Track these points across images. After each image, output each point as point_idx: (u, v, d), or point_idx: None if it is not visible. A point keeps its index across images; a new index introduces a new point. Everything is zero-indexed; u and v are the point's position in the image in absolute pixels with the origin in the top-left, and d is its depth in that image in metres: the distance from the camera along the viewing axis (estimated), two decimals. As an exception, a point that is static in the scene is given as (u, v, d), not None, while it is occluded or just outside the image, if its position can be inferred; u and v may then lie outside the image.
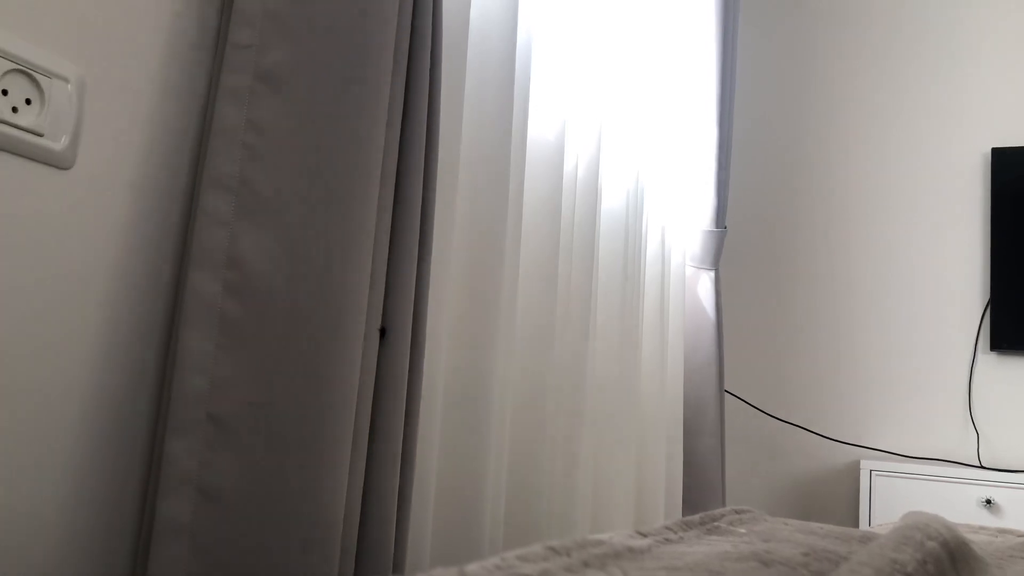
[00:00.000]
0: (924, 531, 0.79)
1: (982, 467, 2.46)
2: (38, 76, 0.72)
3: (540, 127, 1.50)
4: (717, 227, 2.32)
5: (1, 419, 0.70)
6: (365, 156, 0.87)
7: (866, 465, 2.44)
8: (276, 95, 0.83)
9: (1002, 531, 1.32)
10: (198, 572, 0.74)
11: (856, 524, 2.52)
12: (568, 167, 1.56)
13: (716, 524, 0.95)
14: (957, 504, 2.28)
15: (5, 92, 0.70)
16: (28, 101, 0.72)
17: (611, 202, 1.79)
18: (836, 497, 2.64)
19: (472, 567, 0.54)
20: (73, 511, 0.75)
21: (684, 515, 2.06)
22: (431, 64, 1.01)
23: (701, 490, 2.14)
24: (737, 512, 1.06)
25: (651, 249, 2.03)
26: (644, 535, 0.79)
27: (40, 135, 0.72)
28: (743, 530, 0.94)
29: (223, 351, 0.78)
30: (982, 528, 1.39)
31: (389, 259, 0.94)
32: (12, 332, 0.70)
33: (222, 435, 0.76)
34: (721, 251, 2.38)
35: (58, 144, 0.74)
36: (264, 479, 0.77)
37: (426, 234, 1.00)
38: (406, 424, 0.96)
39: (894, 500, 2.38)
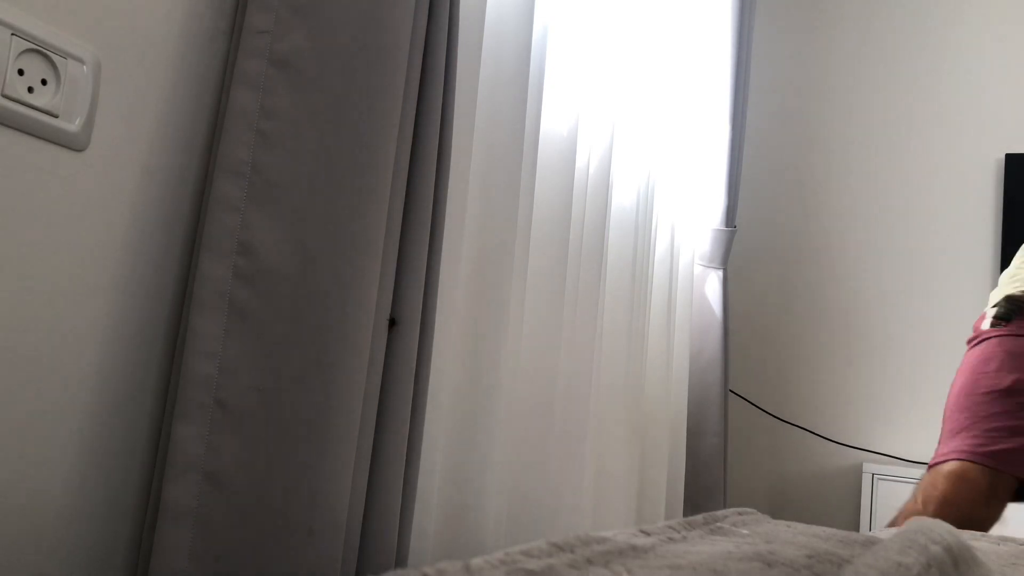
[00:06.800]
0: (928, 535, 0.78)
1: (985, 474, 2.45)
2: (54, 57, 0.72)
3: (553, 121, 1.50)
4: (727, 226, 2.32)
5: (8, 399, 0.70)
6: (378, 146, 0.86)
7: (868, 468, 2.44)
8: (291, 82, 0.82)
9: (1004, 539, 1.32)
10: (202, 556, 0.74)
11: (857, 528, 2.52)
12: (580, 163, 1.55)
13: (719, 525, 0.95)
14: (959, 510, 2.28)
15: (21, 72, 0.70)
16: (44, 81, 0.72)
17: (622, 199, 1.78)
18: (837, 500, 2.63)
19: (476, 561, 0.54)
20: (78, 493, 0.75)
21: (685, 514, 2.06)
22: (447, 55, 1.01)
23: (703, 490, 2.13)
24: (740, 513, 1.05)
25: (660, 247, 2.02)
26: (647, 533, 0.79)
27: (55, 116, 0.72)
28: (746, 531, 0.94)
29: (232, 337, 0.77)
30: (984, 536, 1.38)
31: (400, 250, 0.94)
32: (23, 312, 0.71)
33: (229, 420, 0.76)
34: (730, 250, 2.37)
35: (72, 125, 0.73)
36: (269, 465, 0.77)
37: (437, 226, 1.00)
38: (413, 416, 0.96)
39: (895, 504, 2.37)
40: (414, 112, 0.95)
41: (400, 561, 0.94)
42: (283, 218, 0.81)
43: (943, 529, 0.83)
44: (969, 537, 1.28)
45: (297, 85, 0.82)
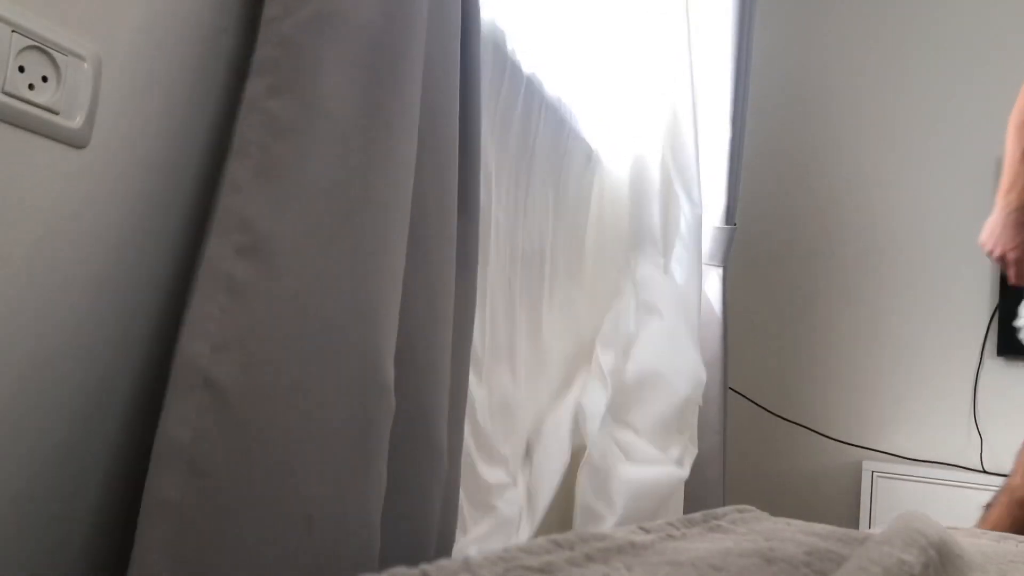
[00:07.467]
0: (924, 534, 0.79)
1: (984, 472, 2.46)
2: (55, 54, 0.72)
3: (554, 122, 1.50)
4: (727, 224, 2.32)
5: (9, 398, 0.70)
6: (398, 130, 0.85)
7: (868, 466, 2.44)
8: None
9: (1003, 537, 1.32)
10: (182, 551, 0.69)
11: (856, 525, 2.52)
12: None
13: (718, 523, 0.95)
14: (958, 508, 2.28)
15: (22, 69, 0.70)
16: (45, 79, 0.72)
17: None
18: (837, 498, 2.64)
19: (476, 558, 0.54)
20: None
21: (685, 512, 2.06)
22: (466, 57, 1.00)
23: (702, 487, 2.13)
24: (739, 511, 1.05)
25: (660, 244, 2.02)
26: (647, 531, 0.79)
27: (56, 113, 0.72)
28: (744, 529, 0.94)
29: (227, 315, 0.73)
30: (983, 533, 1.39)
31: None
32: (23, 309, 0.71)
33: (216, 403, 0.72)
34: (731, 248, 2.37)
35: (73, 122, 0.74)
36: (259, 452, 0.72)
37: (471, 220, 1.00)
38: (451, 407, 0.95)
39: (895, 502, 2.38)
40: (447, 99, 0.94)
41: (443, 551, 0.92)
42: (283, 193, 0.78)
43: (934, 527, 0.83)
44: (968, 535, 1.28)
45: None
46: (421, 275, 0.89)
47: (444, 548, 0.92)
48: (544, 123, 1.45)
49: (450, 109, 0.95)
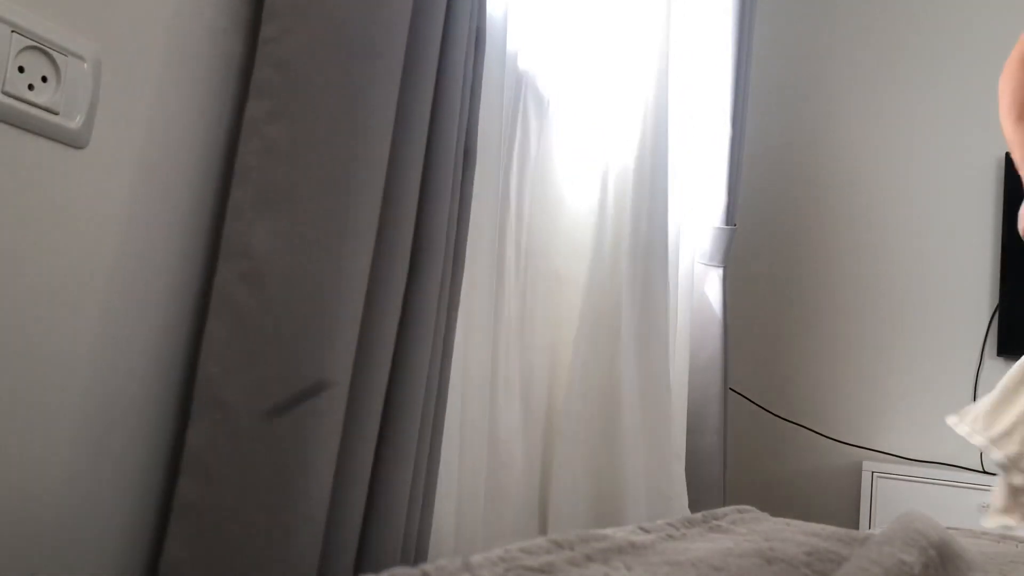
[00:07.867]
0: (924, 534, 0.79)
1: (984, 472, 2.45)
2: (54, 54, 0.72)
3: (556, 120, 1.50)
4: (727, 224, 2.32)
5: (7, 398, 0.70)
6: (369, 145, 0.87)
7: (868, 467, 2.44)
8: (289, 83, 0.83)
9: (1004, 537, 1.32)
10: (198, 547, 0.76)
11: (856, 526, 2.52)
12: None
13: (718, 523, 0.95)
14: (958, 508, 2.28)
15: (21, 69, 0.70)
16: (44, 79, 0.72)
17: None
18: (837, 498, 2.64)
19: (476, 559, 0.54)
20: (81, 489, 0.76)
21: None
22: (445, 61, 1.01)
23: (702, 488, 2.14)
24: (740, 511, 1.05)
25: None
26: (647, 531, 0.79)
27: (55, 113, 0.72)
28: (744, 529, 0.94)
29: (234, 337, 0.79)
30: (984, 533, 1.39)
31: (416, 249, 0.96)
32: (22, 309, 0.71)
33: (226, 419, 0.78)
34: (731, 249, 2.37)
35: (73, 123, 0.74)
36: (255, 463, 0.79)
37: (462, 224, 1.01)
38: (434, 415, 0.98)
39: (895, 503, 2.38)
40: (428, 110, 0.96)
41: (420, 556, 0.95)
42: (282, 221, 0.81)
43: (934, 527, 0.83)
44: (968, 535, 1.28)
45: (295, 86, 0.83)
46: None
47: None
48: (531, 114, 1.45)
49: (421, 109, 0.96)
